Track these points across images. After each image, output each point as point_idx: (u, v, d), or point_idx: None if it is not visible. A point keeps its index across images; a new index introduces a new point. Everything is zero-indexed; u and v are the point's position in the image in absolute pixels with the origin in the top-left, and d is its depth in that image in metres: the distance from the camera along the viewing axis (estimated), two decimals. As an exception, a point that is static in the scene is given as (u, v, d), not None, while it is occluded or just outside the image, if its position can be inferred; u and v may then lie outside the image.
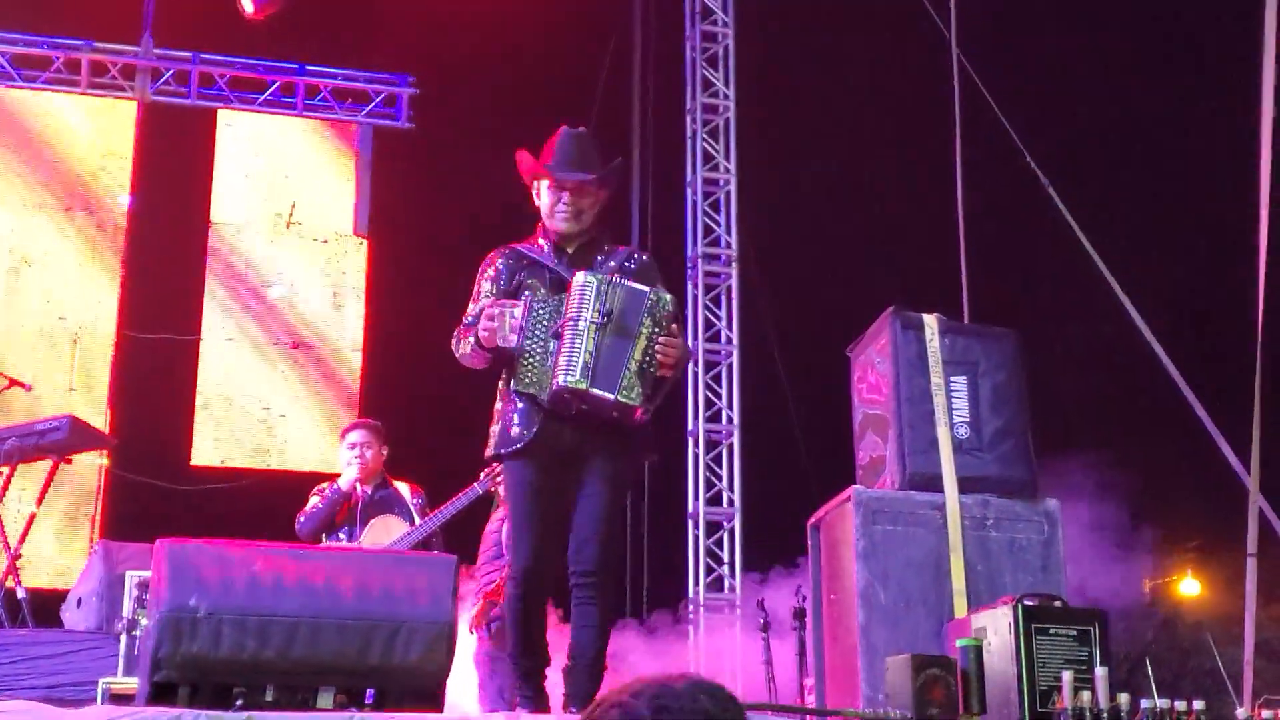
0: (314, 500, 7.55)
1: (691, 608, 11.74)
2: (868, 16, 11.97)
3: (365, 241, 12.76)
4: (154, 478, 11.44)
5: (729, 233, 12.57)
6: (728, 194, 12.64)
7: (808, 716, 5.90)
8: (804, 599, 7.86)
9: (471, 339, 5.16)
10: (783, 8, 12.66)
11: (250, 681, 4.29)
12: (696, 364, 12.12)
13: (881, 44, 12.13)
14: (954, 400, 5.80)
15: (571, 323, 4.98)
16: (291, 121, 12.86)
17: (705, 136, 12.71)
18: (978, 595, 5.38)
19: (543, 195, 5.38)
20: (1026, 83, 11.65)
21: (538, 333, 5.06)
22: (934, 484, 5.61)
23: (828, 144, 12.37)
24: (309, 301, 12.60)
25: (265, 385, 12.33)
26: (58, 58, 12.37)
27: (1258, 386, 7.21)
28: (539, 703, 5.10)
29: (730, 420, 12.22)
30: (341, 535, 7.41)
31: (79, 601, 7.29)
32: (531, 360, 5.05)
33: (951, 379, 5.84)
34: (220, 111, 12.71)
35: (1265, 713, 4.69)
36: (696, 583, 11.85)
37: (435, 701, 4.49)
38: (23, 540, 8.10)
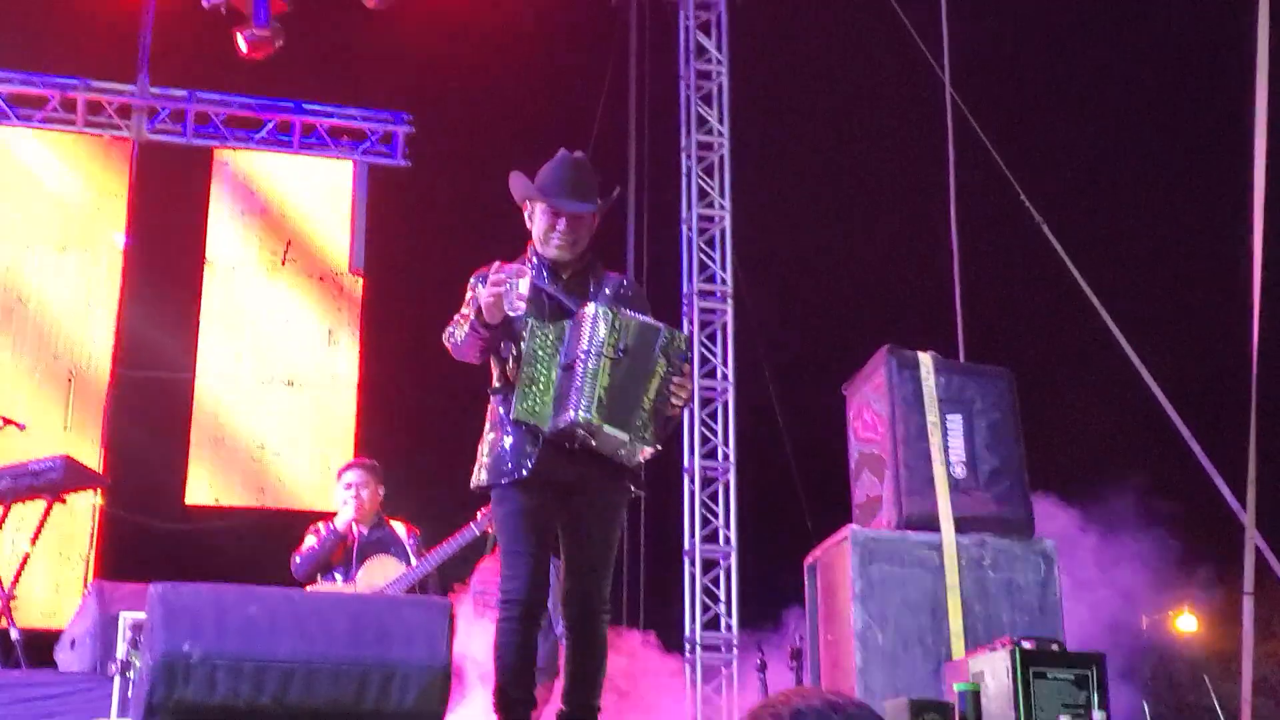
0: (310, 540, 7.53)
1: (688, 646, 11.69)
2: (861, 54, 12.03)
3: (361, 279, 12.76)
4: (148, 517, 11.41)
5: (724, 269, 12.58)
6: (723, 230, 12.65)
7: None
8: (801, 639, 7.83)
9: (469, 319, 4.98)
10: (777, 45, 12.72)
11: (245, 727, 4.26)
12: (692, 401, 12.09)
13: (875, 81, 12.19)
14: (950, 439, 5.81)
15: (585, 356, 4.84)
16: (287, 159, 12.87)
17: (700, 173, 12.73)
18: (975, 635, 5.37)
19: (537, 219, 5.24)
20: (1020, 119, 11.71)
21: (540, 360, 4.92)
22: (931, 524, 5.60)
23: (822, 180, 12.42)
24: (304, 339, 12.59)
25: (260, 423, 12.30)
26: (53, 96, 12.40)
27: (1253, 425, 7.20)
28: None
29: (726, 457, 12.19)
30: (337, 575, 7.39)
31: (73, 642, 7.25)
32: (533, 389, 4.91)
33: (947, 418, 5.85)
34: (216, 150, 12.73)
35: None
36: (693, 621, 11.81)
37: (431, 746, 4.45)
38: (16, 580, 8.05)
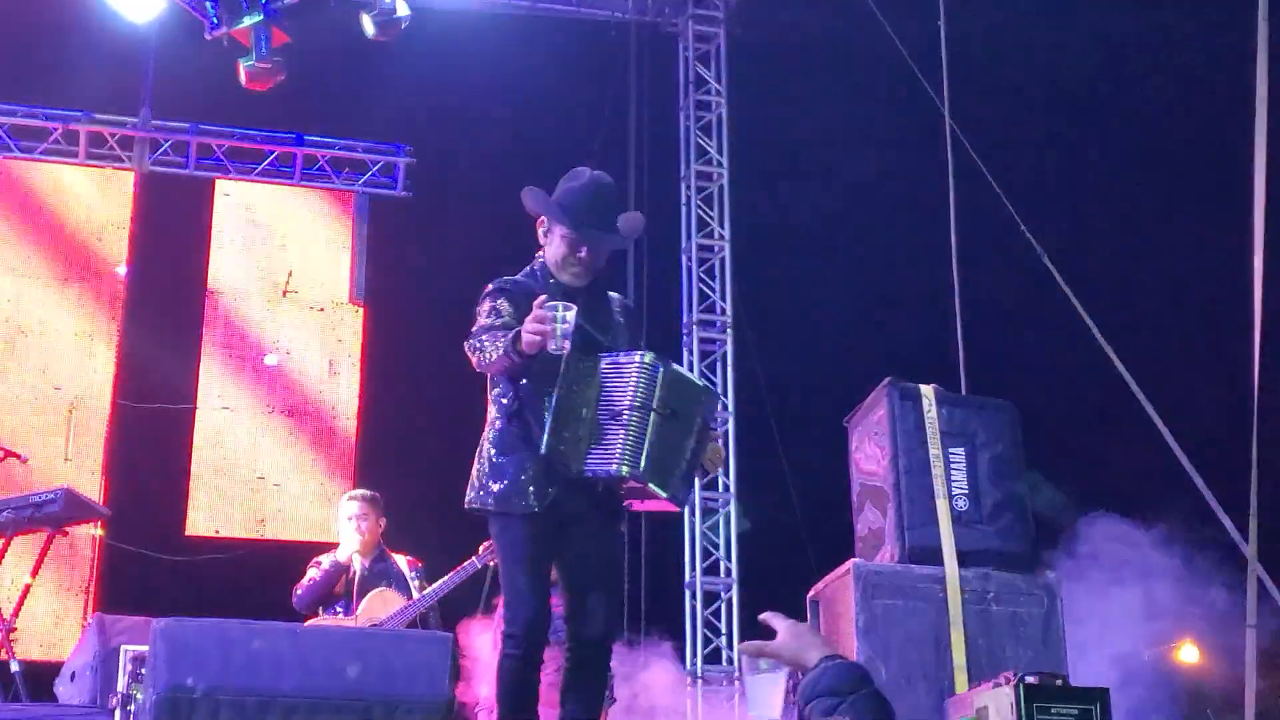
0: (311, 572, 7.52)
1: (689, 680, 11.65)
2: (861, 85, 12.06)
3: (361, 309, 12.77)
4: (148, 548, 11.39)
5: (724, 299, 12.60)
6: (722, 260, 12.68)
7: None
8: (802, 672, 7.80)
9: (502, 345, 4.71)
10: (776, 76, 12.77)
11: (248, 762, 4.25)
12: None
13: (874, 111, 12.21)
14: (953, 472, 5.80)
15: (635, 408, 4.68)
16: (289, 191, 12.91)
17: (700, 203, 12.77)
18: (979, 669, 5.35)
19: (555, 242, 5.04)
20: (1021, 148, 11.73)
21: (577, 395, 4.72)
22: (934, 557, 5.59)
23: (822, 210, 12.43)
24: (305, 370, 12.60)
25: (260, 454, 12.30)
26: (56, 128, 12.43)
27: (1254, 457, 7.19)
28: None
29: (727, 489, 12.19)
30: (339, 608, 7.38)
31: (73, 675, 7.22)
32: (569, 427, 4.71)
33: (950, 451, 5.84)
34: (218, 181, 12.76)
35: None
36: (694, 654, 11.78)
37: (433, 780, 4.45)
38: (16, 612, 8.02)
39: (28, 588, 8.23)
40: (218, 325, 12.51)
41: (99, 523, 10.81)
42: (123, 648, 6.30)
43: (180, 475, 12.08)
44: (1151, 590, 7.14)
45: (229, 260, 12.66)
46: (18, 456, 8.85)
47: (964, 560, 5.57)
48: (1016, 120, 12.17)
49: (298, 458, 12.35)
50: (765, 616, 3.17)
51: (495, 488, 4.91)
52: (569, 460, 4.73)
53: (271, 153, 12.82)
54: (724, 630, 11.89)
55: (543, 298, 4.65)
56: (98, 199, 12.43)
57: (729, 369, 12.47)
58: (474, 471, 5.03)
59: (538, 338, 4.57)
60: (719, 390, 12.32)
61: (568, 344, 4.60)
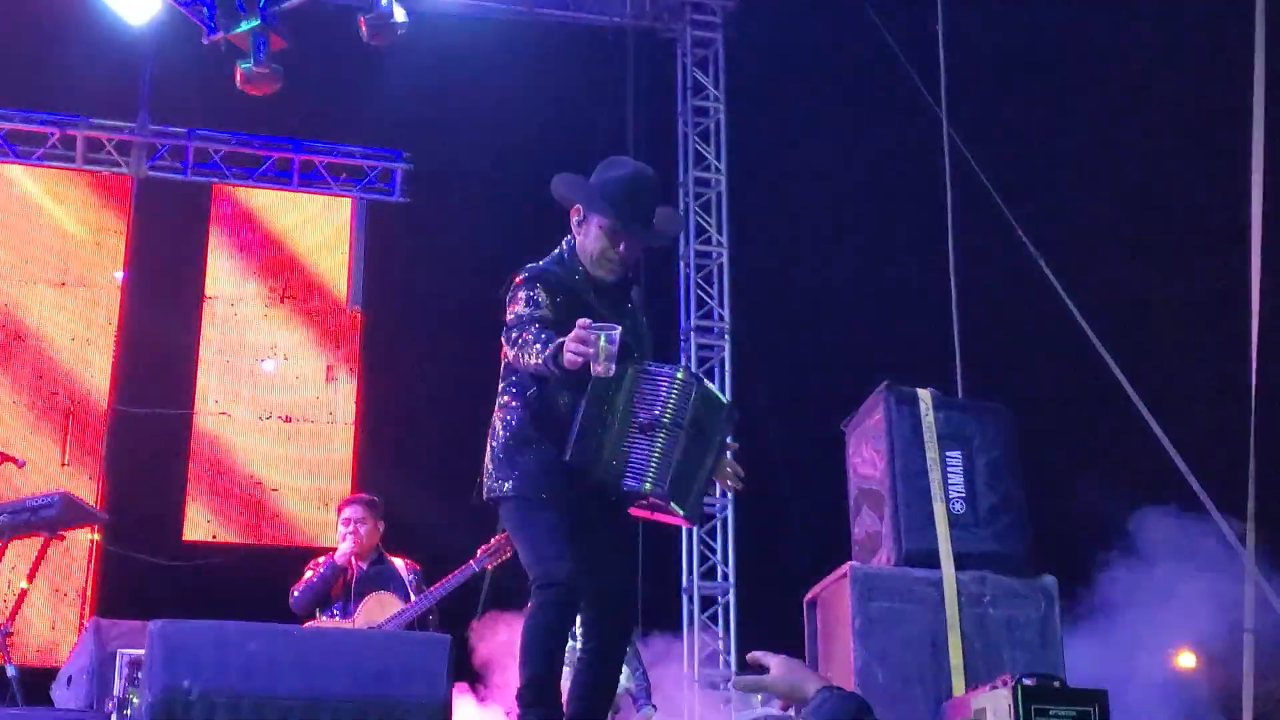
0: (309, 573, 7.52)
1: (687, 682, 11.66)
2: (859, 91, 12.08)
3: (358, 315, 12.78)
4: (145, 553, 11.39)
5: (722, 305, 12.61)
6: (720, 267, 12.69)
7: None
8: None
9: (543, 355, 4.46)
10: (774, 83, 12.77)
11: (245, 764, 4.24)
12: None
13: (872, 117, 12.23)
14: (949, 476, 5.79)
15: (664, 424, 4.56)
16: (286, 196, 12.91)
17: (698, 210, 12.78)
18: (975, 673, 5.35)
19: (592, 233, 4.82)
20: (1017, 153, 11.74)
21: (607, 402, 4.55)
22: (930, 560, 5.58)
23: (820, 216, 12.44)
24: (302, 375, 12.60)
25: (258, 459, 12.30)
26: (53, 133, 12.44)
27: (1252, 460, 7.20)
28: None
29: (724, 493, 12.18)
30: (336, 610, 7.37)
31: (69, 680, 7.22)
32: (594, 433, 4.57)
33: (947, 454, 5.83)
34: (215, 186, 12.76)
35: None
36: (692, 657, 11.78)
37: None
38: (13, 617, 8.02)
39: (24, 592, 8.23)
40: (215, 330, 12.51)
41: (96, 528, 10.83)
42: (119, 652, 6.31)
43: (178, 480, 12.08)
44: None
45: (226, 265, 12.66)
46: (15, 461, 8.84)
47: (961, 563, 5.56)
48: (1013, 123, 12.18)
49: (295, 463, 12.35)
50: (754, 655, 3.20)
51: (513, 476, 4.73)
52: (591, 469, 4.59)
53: (269, 158, 12.83)
54: (721, 634, 11.88)
55: (586, 321, 4.38)
56: (95, 204, 12.44)
57: (727, 375, 12.47)
58: (487, 460, 4.84)
59: (579, 358, 4.35)
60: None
61: (613, 368, 4.40)
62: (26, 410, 11.89)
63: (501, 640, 8.82)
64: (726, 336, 12.55)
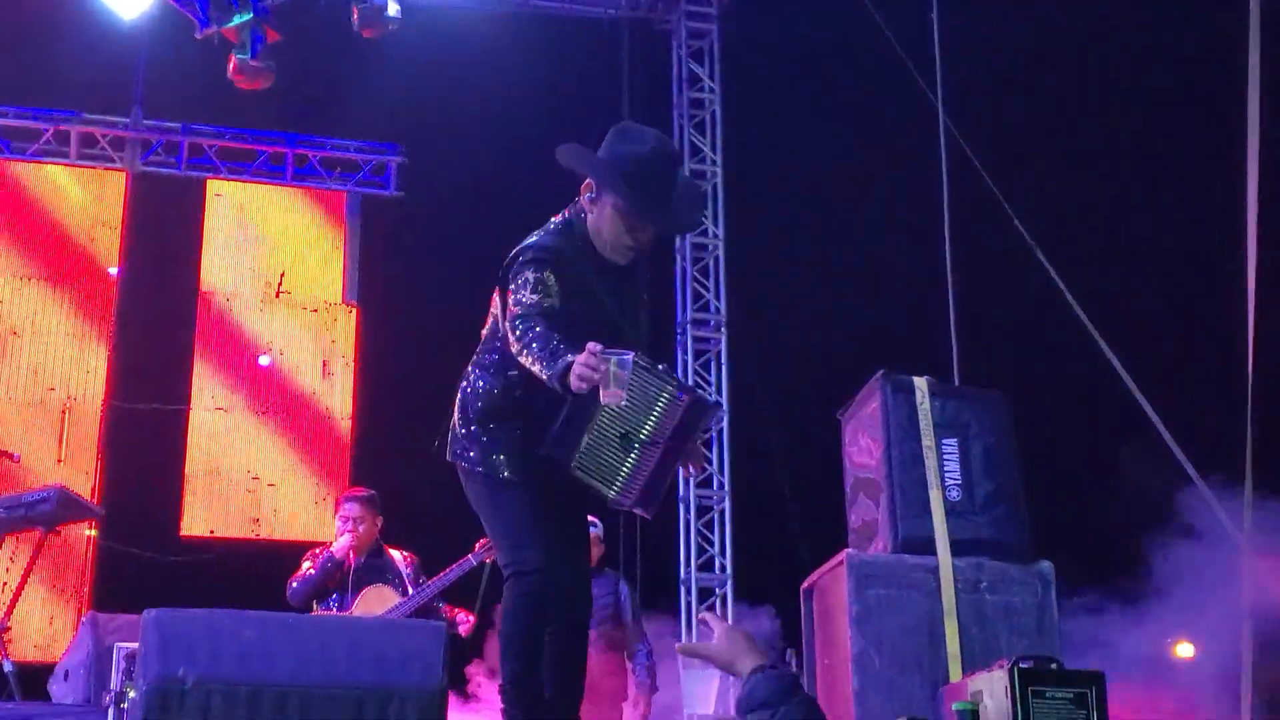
0: (307, 565, 7.51)
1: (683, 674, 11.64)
2: (855, 81, 12.07)
3: (354, 310, 12.77)
4: (142, 549, 11.38)
5: (718, 298, 12.60)
6: (716, 259, 12.68)
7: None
8: (798, 665, 7.80)
9: (550, 369, 4.31)
10: (769, 74, 12.77)
11: (240, 753, 4.23)
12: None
13: (868, 107, 12.22)
14: (946, 463, 5.78)
15: (647, 445, 4.52)
16: (280, 191, 12.91)
17: (693, 203, 12.73)
18: (973, 659, 5.34)
19: (609, 217, 4.61)
20: (1014, 142, 11.73)
21: (590, 406, 4.42)
22: (927, 547, 5.58)
23: (816, 207, 12.43)
24: (298, 370, 12.59)
25: (254, 454, 12.29)
26: (47, 129, 12.44)
27: (1249, 445, 7.20)
28: None
29: (721, 486, 12.18)
30: (333, 603, 7.37)
31: (66, 674, 7.20)
32: (601, 444, 4.52)
33: (943, 442, 5.82)
34: (209, 181, 12.76)
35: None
36: (689, 649, 11.75)
37: (427, 770, 4.42)
38: (9, 612, 8.01)
39: (20, 588, 8.23)
40: (210, 326, 12.50)
41: (93, 523, 10.82)
42: (116, 646, 6.28)
43: (174, 476, 12.08)
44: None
45: (221, 261, 12.66)
46: (11, 456, 8.86)
47: (957, 550, 5.55)
48: (1010, 113, 12.18)
49: (292, 458, 12.35)
50: (704, 616, 3.20)
51: (481, 447, 4.68)
52: (566, 462, 4.52)
53: (263, 153, 12.83)
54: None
55: (596, 346, 4.18)
56: (89, 199, 12.44)
57: (723, 368, 12.47)
58: (456, 416, 4.76)
59: (585, 385, 4.19)
60: (713, 389, 12.32)
61: (623, 396, 4.24)
62: (22, 406, 11.88)
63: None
64: (723, 329, 12.54)
